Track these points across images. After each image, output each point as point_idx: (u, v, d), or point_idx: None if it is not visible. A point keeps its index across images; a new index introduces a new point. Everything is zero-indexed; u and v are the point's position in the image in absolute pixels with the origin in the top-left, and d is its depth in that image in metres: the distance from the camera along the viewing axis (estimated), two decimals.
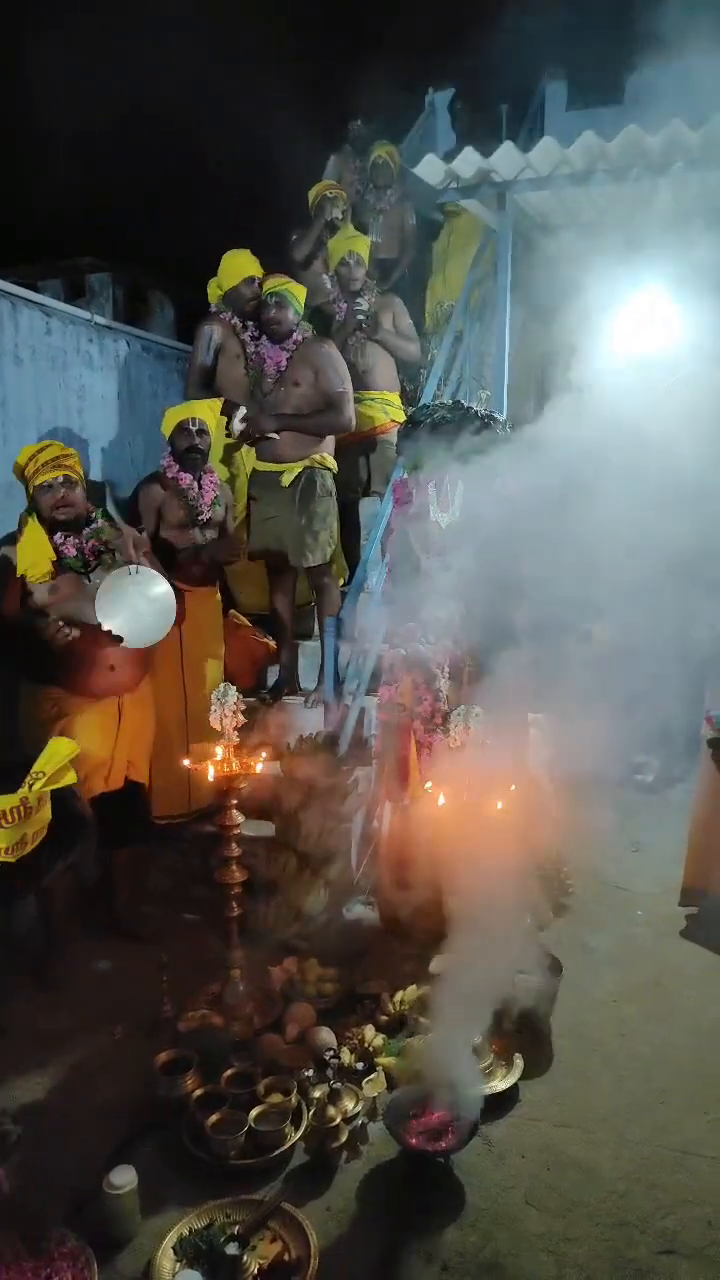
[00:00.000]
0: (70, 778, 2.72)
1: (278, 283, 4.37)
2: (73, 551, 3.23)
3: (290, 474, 4.34)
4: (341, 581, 4.92)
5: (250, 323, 4.86)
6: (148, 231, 10.15)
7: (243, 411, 4.41)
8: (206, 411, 4.07)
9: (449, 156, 4.73)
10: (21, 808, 2.57)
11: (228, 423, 4.45)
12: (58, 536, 3.22)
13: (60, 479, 3.21)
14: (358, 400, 4.60)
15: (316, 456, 4.41)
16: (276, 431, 4.30)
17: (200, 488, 3.97)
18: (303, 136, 6.51)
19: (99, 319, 5.17)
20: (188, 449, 3.94)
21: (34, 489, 3.24)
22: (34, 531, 3.21)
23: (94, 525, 3.31)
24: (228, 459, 4.92)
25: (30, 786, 2.60)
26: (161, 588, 3.29)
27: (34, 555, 3.16)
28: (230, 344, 4.90)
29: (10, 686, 3.31)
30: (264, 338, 4.44)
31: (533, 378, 5.13)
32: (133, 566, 3.24)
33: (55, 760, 2.66)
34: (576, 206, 5.01)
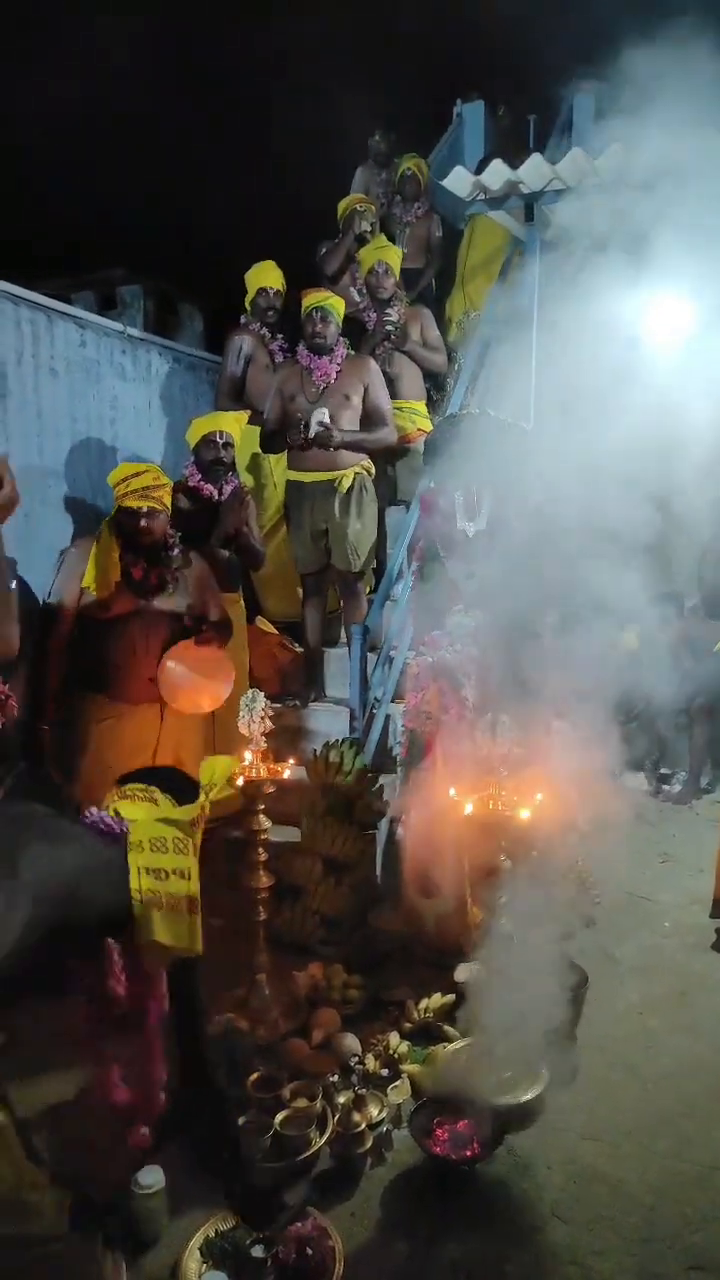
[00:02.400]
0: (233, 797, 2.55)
1: (320, 298, 4.42)
2: (139, 575, 3.30)
3: (347, 480, 4.40)
4: (368, 590, 4.94)
5: (280, 335, 4.91)
6: (178, 243, 10.30)
7: (324, 414, 4.25)
8: (232, 424, 4.11)
9: (478, 165, 4.75)
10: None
11: (300, 428, 4.31)
12: (128, 557, 3.29)
13: (145, 509, 3.27)
14: None
15: (365, 463, 4.49)
16: (340, 445, 4.34)
17: (221, 498, 4.01)
18: (330, 148, 6.58)
19: (132, 331, 5.25)
20: (213, 461, 3.98)
21: (118, 509, 3.32)
22: (107, 545, 3.28)
23: (169, 553, 3.36)
24: (254, 469, 4.97)
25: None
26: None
27: (102, 570, 3.25)
28: (259, 354, 4.96)
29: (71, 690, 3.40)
30: (302, 348, 4.48)
31: (560, 387, 5.13)
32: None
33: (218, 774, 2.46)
34: (605, 217, 5.00)
